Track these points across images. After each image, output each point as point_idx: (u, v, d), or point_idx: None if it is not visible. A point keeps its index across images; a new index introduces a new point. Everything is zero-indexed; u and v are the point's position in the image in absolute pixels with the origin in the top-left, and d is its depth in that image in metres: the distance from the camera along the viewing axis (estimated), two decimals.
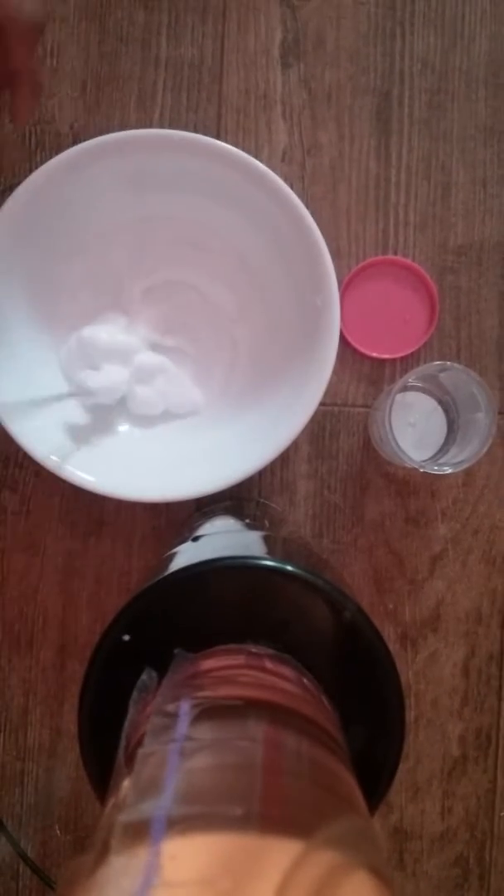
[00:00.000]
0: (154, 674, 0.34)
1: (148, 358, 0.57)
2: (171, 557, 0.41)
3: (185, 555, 0.40)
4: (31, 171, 0.51)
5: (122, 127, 0.56)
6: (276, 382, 0.54)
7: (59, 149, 0.52)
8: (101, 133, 0.51)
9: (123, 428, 0.57)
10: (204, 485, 0.52)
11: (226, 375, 0.58)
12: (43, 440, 0.52)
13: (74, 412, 0.56)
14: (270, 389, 0.55)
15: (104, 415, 0.57)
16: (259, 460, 0.51)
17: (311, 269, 0.50)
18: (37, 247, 0.53)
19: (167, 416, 0.58)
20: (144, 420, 0.57)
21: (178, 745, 0.26)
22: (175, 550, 0.43)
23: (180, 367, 0.58)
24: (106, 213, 0.54)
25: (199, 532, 0.49)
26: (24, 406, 0.52)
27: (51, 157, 0.51)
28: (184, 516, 0.60)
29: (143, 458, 0.56)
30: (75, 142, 0.52)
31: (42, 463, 0.51)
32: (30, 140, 0.59)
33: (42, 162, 0.51)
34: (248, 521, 0.54)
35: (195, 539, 0.46)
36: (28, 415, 0.52)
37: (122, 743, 0.31)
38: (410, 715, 0.60)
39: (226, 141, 0.51)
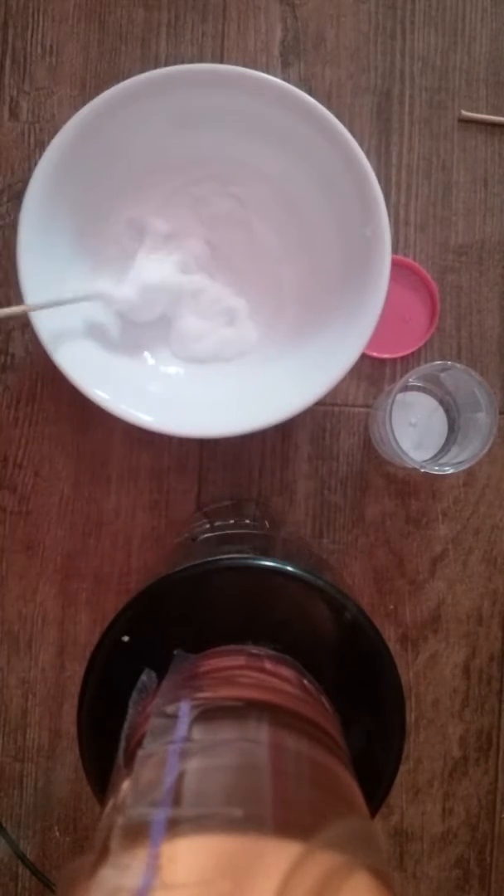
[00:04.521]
0: (154, 675, 0.34)
1: (214, 289, 0.57)
2: (170, 557, 0.41)
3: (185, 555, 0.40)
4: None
5: None
6: (323, 323, 0.54)
7: None
8: None
9: (171, 370, 0.57)
10: (254, 420, 0.51)
11: (273, 315, 0.58)
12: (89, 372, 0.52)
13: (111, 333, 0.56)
14: (320, 325, 0.54)
15: (150, 350, 0.57)
16: (312, 395, 0.51)
17: (360, 200, 0.50)
18: (83, 184, 0.52)
19: (216, 357, 0.57)
20: (192, 360, 0.57)
21: (178, 746, 0.26)
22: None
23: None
24: (151, 152, 0.54)
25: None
26: (67, 336, 0.52)
27: None
28: (183, 516, 0.60)
29: (190, 399, 0.55)
30: None
31: (94, 398, 0.51)
32: (29, 139, 0.59)
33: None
34: (248, 521, 0.54)
35: (194, 539, 0.46)
36: (72, 345, 0.52)
37: (122, 744, 0.31)
38: (411, 716, 0.60)
39: None
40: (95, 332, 0.55)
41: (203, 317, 0.56)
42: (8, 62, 0.59)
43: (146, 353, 0.57)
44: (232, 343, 0.57)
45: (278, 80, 0.50)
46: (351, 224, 0.52)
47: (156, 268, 0.55)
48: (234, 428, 0.52)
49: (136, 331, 0.56)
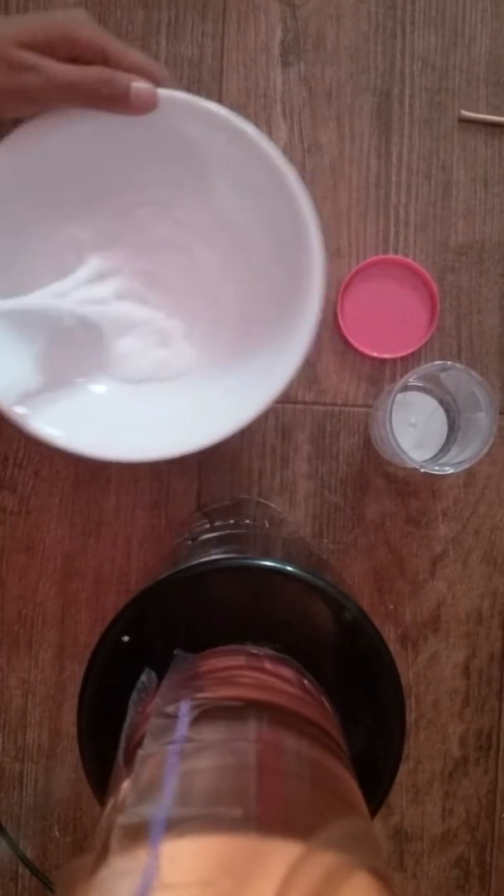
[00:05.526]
0: (154, 675, 0.34)
1: (143, 313, 0.56)
2: (170, 557, 0.41)
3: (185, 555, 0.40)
4: None
5: None
6: (261, 341, 0.53)
7: None
8: None
9: (100, 388, 0.56)
10: (185, 443, 0.50)
11: (210, 335, 0.57)
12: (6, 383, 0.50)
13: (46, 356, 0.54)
14: (255, 348, 0.54)
15: (82, 371, 0.56)
16: (241, 418, 0.50)
17: (293, 224, 0.49)
18: (22, 200, 0.52)
19: (151, 377, 0.56)
20: (125, 381, 0.56)
21: (178, 746, 0.26)
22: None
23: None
24: (90, 175, 0.53)
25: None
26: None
27: None
28: (183, 516, 0.60)
29: (123, 418, 0.54)
30: None
31: (7, 415, 0.49)
32: None
33: None
34: (248, 521, 0.54)
35: (194, 539, 0.45)
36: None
37: (122, 744, 0.31)
38: (411, 716, 0.60)
39: None
40: (23, 350, 0.53)
41: (134, 337, 0.56)
42: None
43: (78, 373, 0.56)
44: (167, 364, 0.56)
45: (208, 102, 0.48)
46: (287, 246, 0.50)
47: (87, 291, 0.54)
48: (165, 451, 0.51)
49: (68, 350, 0.55)
